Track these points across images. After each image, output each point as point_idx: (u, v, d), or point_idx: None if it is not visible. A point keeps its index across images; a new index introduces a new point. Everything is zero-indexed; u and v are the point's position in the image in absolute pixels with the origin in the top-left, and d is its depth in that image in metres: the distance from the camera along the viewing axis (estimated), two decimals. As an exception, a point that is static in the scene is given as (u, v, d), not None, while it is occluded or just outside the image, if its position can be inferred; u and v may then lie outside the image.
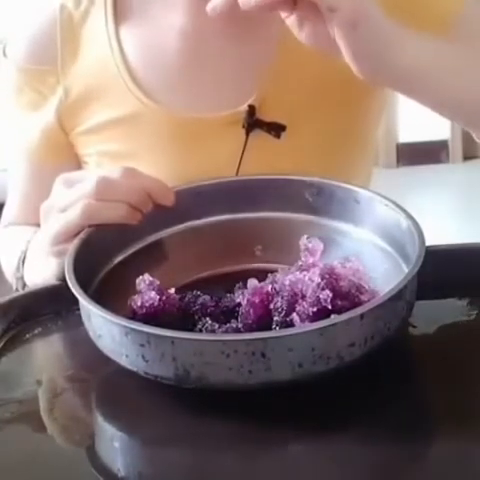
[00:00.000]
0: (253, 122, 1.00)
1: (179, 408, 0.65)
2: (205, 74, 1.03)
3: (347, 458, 0.60)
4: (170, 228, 0.84)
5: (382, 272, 0.75)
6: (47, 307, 0.80)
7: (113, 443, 0.65)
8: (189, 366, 0.62)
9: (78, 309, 0.71)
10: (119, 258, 0.80)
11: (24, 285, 0.98)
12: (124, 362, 0.66)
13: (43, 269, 0.85)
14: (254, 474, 0.60)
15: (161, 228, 0.83)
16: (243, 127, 1.00)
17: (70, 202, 0.79)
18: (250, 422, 0.63)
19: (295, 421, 0.63)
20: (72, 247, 0.75)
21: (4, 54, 1.08)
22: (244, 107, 1.00)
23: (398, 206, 0.77)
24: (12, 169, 1.14)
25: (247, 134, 1.00)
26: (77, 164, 1.08)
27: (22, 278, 0.98)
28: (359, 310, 0.63)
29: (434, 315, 0.76)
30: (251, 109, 1.00)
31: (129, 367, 0.66)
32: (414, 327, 0.74)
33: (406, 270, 0.69)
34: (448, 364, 0.70)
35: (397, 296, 0.65)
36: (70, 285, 0.69)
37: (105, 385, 0.71)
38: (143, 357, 0.64)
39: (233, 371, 0.62)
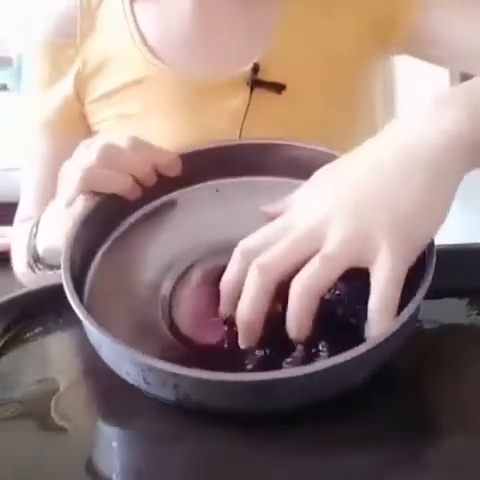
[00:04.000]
0: (257, 80, 1.08)
1: (179, 408, 0.65)
2: (214, 38, 1.11)
3: (347, 458, 0.60)
4: (182, 189, 0.82)
5: None
6: (47, 306, 0.80)
7: (113, 443, 0.65)
8: (191, 392, 0.62)
9: (79, 309, 0.71)
10: (115, 235, 0.78)
11: (37, 257, 0.99)
12: (125, 376, 0.65)
13: (61, 231, 0.83)
14: (255, 474, 0.60)
15: (169, 191, 0.81)
16: (247, 84, 1.07)
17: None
18: (250, 422, 0.63)
19: (295, 421, 0.63)
20: (64, 244, 0.72)
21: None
22: (249, 66, 1.08)
23: None
24: (26, 160, 1.20)
25: (251, 90, 1.07)
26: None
27: (34, 247, 1.00)
28: (362, 348, 0.61)
29: (434, 315, 0.76)
30: (255, 66, 1.08)
31: (130, 382, 0.65)
32: (414, 327, 0.74)
33: None
34: (448, 364, 0.70)
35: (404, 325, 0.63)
36: (69, 298, 0.67)
37: (105, 385, 0.71)
38: (144, 379, 0.63)
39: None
